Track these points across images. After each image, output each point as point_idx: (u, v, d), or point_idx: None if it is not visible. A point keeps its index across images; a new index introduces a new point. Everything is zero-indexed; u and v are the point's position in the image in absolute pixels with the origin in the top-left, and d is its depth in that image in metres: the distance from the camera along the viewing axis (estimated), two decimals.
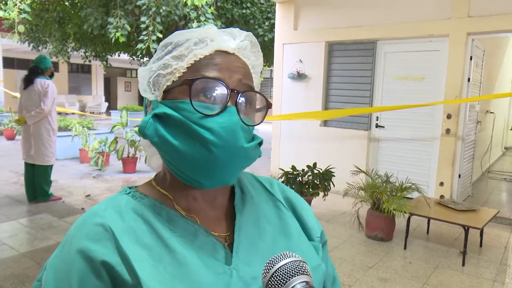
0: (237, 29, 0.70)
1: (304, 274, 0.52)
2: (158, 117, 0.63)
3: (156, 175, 0.71)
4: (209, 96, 0.61)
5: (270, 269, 0.53)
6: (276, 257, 0.54)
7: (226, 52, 0.65)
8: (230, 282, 0.60)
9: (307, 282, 0.52)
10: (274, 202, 0.76)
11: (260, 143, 0.67)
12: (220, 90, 0.61)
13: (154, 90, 0.66)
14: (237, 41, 0.67)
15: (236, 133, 0.60)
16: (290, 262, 0.53)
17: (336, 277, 0.79)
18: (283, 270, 0.52)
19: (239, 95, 0.62)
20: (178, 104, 0.61)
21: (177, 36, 0.67)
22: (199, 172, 0.61)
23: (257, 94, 0.66)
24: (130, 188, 0.68)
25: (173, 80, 0.64)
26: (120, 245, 0.58)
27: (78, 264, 0.57)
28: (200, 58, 0.63)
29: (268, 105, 0.67)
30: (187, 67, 0.63)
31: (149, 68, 0.67)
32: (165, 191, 0.67)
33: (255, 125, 0.65)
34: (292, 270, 0.52)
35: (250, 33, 0.70)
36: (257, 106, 0.66)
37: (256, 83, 0.70)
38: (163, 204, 0.65)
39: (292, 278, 0.51)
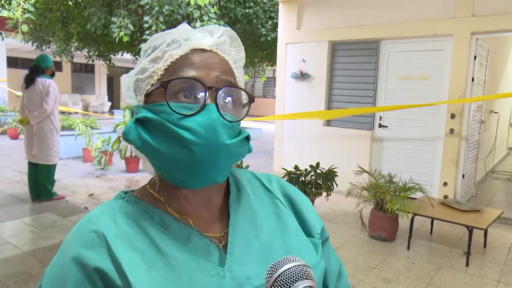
0: (215, 25, 0.70)
1: (308, 279, 0.52)
2: (140, 121, 0.63)
3: (151, 179, 0.71)
4: (188, 96, 0.61)
5: (273, 273, 0.52)
6: (279, 261, 0.53)
7: (202, 50, 0.65)
8: (223, 284, 0.60)
9: (310, 287, 0.51)
10: (272, 199, 0.75)
11: (248, 138, 0.67)
12: (198, 89, 0.61)
13: (136, 95, 0.66)
14: (214, 37, 0.67)
15: (216, 130, 0.59)
16: (293, 266, 0.52)
17: (342, 272, 0.78)
18: (286, 275, 0.51)
19: (218, 92, 0.61)
20: (157, 107, 0.62)
21: (155, 39, 0.67)
22: (184, 172, 0.61)
23: (239, 90, 0.65)
24: (125, 192, 0.68)
25: (152, 84, 0.64)
26: (113, 251, 0.58)
27: (73, 271, 0.57)
28: (176, 59, 0.64)
29: (251, 100, 0.67)
30: (164, 69, 0.64)
31: (130, 74, 0.67)
32: (158, 194, 0.67)
33: (238, 121, 0.64)
34: (296, 275, 0.51)
35: (228, 28, 0.70)
36: (240, 102, 0.66)
37: (240, 78, 0.70)
38: (156, 208, 0.65)
39: (295, 283, 0.51)
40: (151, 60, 0.65)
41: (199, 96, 0.61)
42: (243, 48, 0.72)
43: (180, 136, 0.59)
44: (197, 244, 0.63)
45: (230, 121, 0.61)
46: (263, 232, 0.68)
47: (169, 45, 0.65)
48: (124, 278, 0.56)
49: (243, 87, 0.70)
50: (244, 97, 0.66)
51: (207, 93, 0.60)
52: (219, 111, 0.60)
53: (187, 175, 0.61)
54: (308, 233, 0.73)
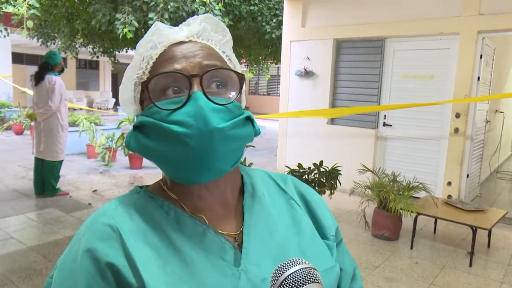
0: (195, 16, 0.69)
1: (315, 282, 0.50)
2: (138, 128, 0.63)
3: (164, 175, 0.71)
4: (177, 91, 0.60)
5: (279, 276, 0.51)
6: (285, 263, 0.52)
7: (180, 43, 0.64)
8: (239, 285, 0.59)
9: None
10: (287, 199, 0.73)
11: (250, 119, 0.64)
12: (182, 81, 0.60)
13: (133, 105, 0.67)
14: (192, 26, 0.66)
15: (206, 117, 0.57)
16: (300, 269, 0.51)
17: (356, 274, 0.76)
18: (293, 278, 0.50)
19: (202, 78, 0.59)
20: (149, 110, 0.61)
21: (137, 47, 0.67)
22: (186, 168, 0.59)
23: (226, 70, 0.63)
24: (141, 187, 0.68)
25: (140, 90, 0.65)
26: (127, 247, 0.57)
27: (85, 264, 0.57)
28: (156, 59, 0.63)
29: (240, 77, 0.64)
30: (148, 72, 0.63)
31: (121, 88, 0.67)
32: (170, 192, 0.66)
33: (231, 102, 0.61)
34: (302, 278, 0.50)
35: (208, 14, 0.69)
36: (231, 82, 0.64)
37: (232, 60, 0.68)
38: (172, 204, 0.64)
39: (303, 287, 0.50)
40: (132, 67, 0.65)
41: (182, 88, 0.60)
42: (228, 30, 0.70)
43: (171, 131, 0.57)
44: (212, 242, 0.62)
45: (221, 104, 0.59)
46: (277, 233, 0.67)
47: (145, 48, 0.65)
48: (137, 275, 0.55)
49: (237, 69, 0.67)
50: (231, 77, 0.63)
51: (192, 81, 0.59)
52: (207, 97, 0.58)
53: (190, 170, 0.59)
54: (322, 234, 0.72)
